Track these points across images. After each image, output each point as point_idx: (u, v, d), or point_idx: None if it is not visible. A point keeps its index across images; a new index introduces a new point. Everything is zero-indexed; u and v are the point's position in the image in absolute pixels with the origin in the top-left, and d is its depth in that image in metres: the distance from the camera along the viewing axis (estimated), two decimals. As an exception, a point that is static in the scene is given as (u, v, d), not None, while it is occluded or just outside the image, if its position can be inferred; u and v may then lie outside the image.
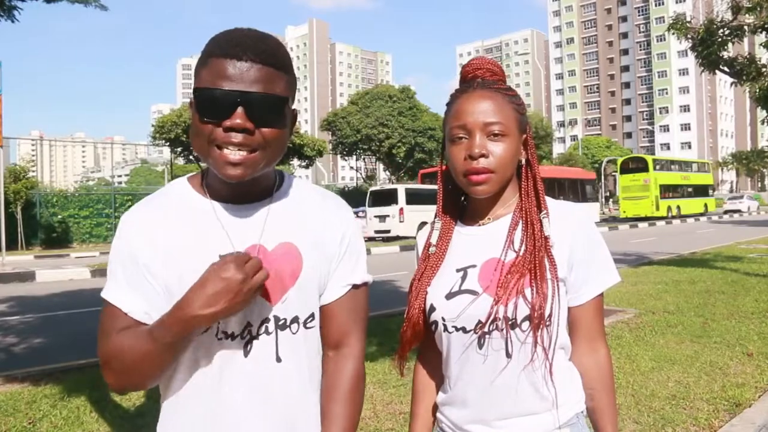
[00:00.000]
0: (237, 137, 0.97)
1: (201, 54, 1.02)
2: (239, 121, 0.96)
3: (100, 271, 13.21)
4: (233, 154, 0.98)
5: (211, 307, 0.93)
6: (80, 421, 3.79)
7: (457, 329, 1.17)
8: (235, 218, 1.07)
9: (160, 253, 1.04)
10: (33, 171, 28.51)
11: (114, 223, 25.28)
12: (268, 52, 0.99)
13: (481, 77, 1.21)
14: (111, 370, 1.03)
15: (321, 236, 1.12)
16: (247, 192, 1.08)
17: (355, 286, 1.15)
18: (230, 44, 0.98)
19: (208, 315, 0.94)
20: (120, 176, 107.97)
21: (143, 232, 1.06)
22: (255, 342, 1.04)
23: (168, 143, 26.32)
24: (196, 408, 1.05)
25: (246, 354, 1.04)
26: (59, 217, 24.29)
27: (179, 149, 27.17)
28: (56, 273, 13.08)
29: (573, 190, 28.95)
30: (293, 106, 1.08)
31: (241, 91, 0.96)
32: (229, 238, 1.05)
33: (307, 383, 1.10)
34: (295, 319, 1.08)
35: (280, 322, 1.06)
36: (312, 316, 1.11)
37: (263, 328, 1.05)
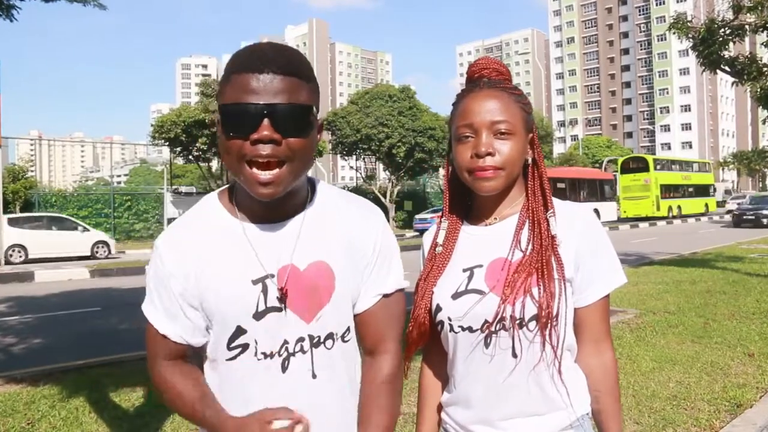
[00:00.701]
0: (265, 149, 0.97)
1: (223, 73, 1.04)
2: (267, 133, 0.96)
3: (99, 272, 13.21)
4: (263, 175, 0.98)
5: None
6: (79, 421, 3.78)
7: (463, 329, 1.17)
8: (266, 238, 1.08)
9: (192, 280, 1.07)
10: (32, 171, 28.52)
11: (113, 223, 25.29)
12: (290, 63, 1.00)
13: (487, 77, 1.22)
14: (159, 392, 1.13)
15: (352, 249, 1.12)
16: (279, 209, 1.08)
17: (386, 295, 1.15)
18: (251, 59, 0.99)
19: None
20: (119, 176, 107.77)
21: (176, 258, 1.08)
22: (292, 359, 1.07)
23: (167, 143, 26.29)
24: None
25: (284, 370, 1.07)
26: (59, 216, 24.25)
27: (178, 149, 27.12)
28: (55, 273, 13.07)
29: (592, 190, 30.52)
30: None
31: (266, 104, 0.96)
32: (259, 261, 1.06)
33: (348, 396, 1.13)
34: (330, 336, 1.09)
35: (315, 340, 1.08)
36: (348, 329, 1.13)
37: (298, 347, 1.07)
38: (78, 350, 5.76)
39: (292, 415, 1.00)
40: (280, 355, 1.06)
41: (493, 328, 1.13)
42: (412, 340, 1.24)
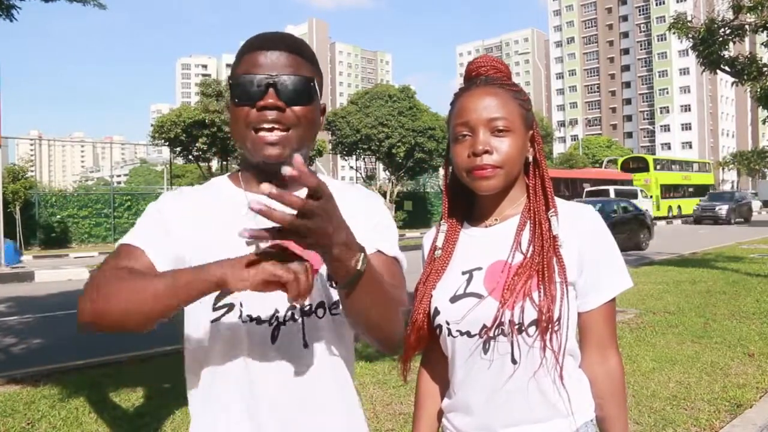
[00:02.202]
0: (271, 114, 1.04)
1: (235, 58, 1.12)
2: (271, 101, 1.03)
3: (99, 271, 13.18)
4: (270, 135, 1.04)
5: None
6: (79, 421, 3.78)
7: (461, 333, 1.14)
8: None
9: (193, 230, 1.08)
10: (31, 171, 28.46)
11: (113, 223, 25.27)
12: (295, 44, 1.09)
13: (485, 74, 1.18)
14: (94, 296, 0.96)
15: (350, 222, 1.08)
16: (281, 185, 1.08)
17: (382, 252, 1.09)
18: (259, 40, 1.09)
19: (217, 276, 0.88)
20: (119, 176, 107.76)
21: (177, 207, 1.11)
22: (282, 328, 1.06)
23: (167, 143, 26.28)
24: (229, 394, 1.06)
25: (273, 340, 1.06)
26: (58, 217, 24.25)
27: (178, 149, 27.09)
28: (55, 273, 13.06)
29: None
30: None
31: (271, 75, 1.04)
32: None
33: (342, 368, 1.12)
34: (321, 305, 1.09)
35: (306, 308, 1.08)
36: (337, 303, 1.10)
37: (289, 314, 1.06)
38: (78, 350, 5.76)
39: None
40: (270, 324, 1.05)
41: (491, 333, 1.10)
42: (410, 344, 1.21)
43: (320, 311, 1.09)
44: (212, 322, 1.06)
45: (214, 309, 1.06)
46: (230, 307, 1.06)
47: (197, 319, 1.08)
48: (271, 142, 1.04)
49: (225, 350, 1.06)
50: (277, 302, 1.05)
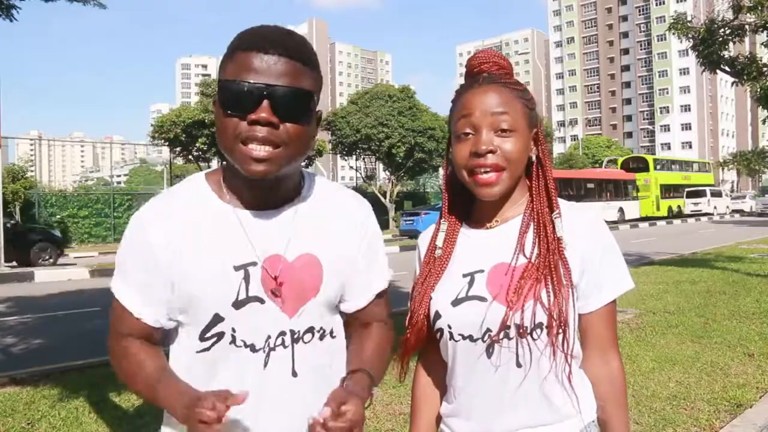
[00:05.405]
0: (262, 131, 0.94)
1: (227, 49, 1.01)
2: (264, 115, 0.94)
3: (99, 272, 13.19)
4: (258, 150, 0.95)
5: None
6: (79, 421, 3.77)
7: (464, 337, 1.11)
8: (259, 226, 1.04)
9: (177, 255, 1.00)
10: (31, 171, 28.49)
11: (113, 223, 25.26)
12: (295, 47, 0.98)
13: (487, 71, 1.15)
14: (118, 371, 1.10)
15: (342, 243, 1.11)
16: (271, 196, 1.05)
17: (379, 294, 1.16)
18: (257, 38, 0.97)
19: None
20: (119, 176, 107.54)
21: (162, 229, 1.02)
22: (273, 354, 1.03)
23: (167, 143, 26.28)
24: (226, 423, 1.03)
25: (265, 366, 1.03)
26: (58, 217, 24.24)
27: (178, 149, 27.11)
28: (55, 273, 13.06)
29: (617, 190, 31.55)
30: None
31: (267, 84, 0.94)
32: (253, 247, 1.02)
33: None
34: (310, 330, 1.06)
35: (296, 335, 1.05)
36: (332, 331, 1.10)
37: (280, 340, 1.04)
38: (78, 350, 5.75)
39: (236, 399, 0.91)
40: (263, 351, 1.02)
41: (496, 337, 1.08)
42: (409, 346, 1.19)
43: (307, 336, 1.06)
44: (198, 352, 1.03)
45: (203, 339, 1.03)
46: (220, 335, 1.02)
47: (184, 347, 1.05)
48: (258, 159, 0.95)
49: (218, 375, 1.03)
50: (268, 329, 1.03)
